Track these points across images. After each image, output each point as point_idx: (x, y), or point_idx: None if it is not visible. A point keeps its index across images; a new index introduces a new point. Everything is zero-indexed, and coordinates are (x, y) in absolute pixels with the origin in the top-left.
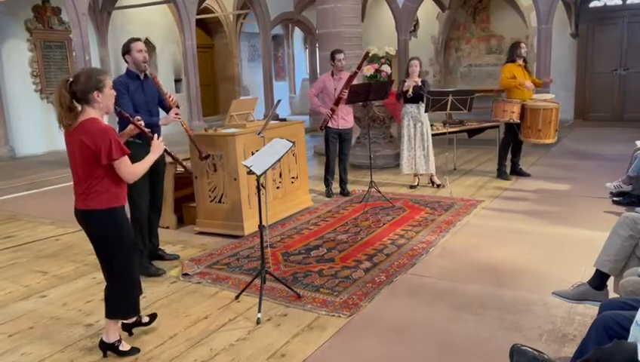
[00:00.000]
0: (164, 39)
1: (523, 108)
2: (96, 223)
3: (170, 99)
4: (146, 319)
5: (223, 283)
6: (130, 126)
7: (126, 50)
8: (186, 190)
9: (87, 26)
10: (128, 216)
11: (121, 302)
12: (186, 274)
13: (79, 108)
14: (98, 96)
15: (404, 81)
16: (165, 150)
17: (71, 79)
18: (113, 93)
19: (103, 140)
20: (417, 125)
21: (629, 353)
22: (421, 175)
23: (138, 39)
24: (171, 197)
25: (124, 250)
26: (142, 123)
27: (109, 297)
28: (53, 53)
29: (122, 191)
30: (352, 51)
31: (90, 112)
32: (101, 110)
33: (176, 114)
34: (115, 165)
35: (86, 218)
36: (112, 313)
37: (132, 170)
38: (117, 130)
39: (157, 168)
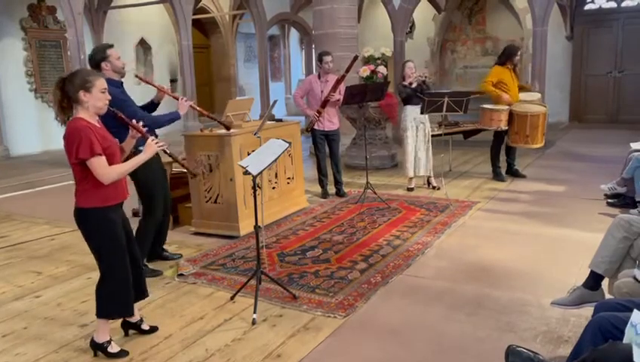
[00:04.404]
0: (160, 39)
1: (510, 114)
2: (84, 221)
3: (166, 88)
4: (146, 327)
5: (219, 283)
6: (131, 132)
7: (102, 58)
8: (181, 190)
9: (83, 26)
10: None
11: (109, 301)
12: (181, 275)
13: (74, 107)
14: (84, 95)
15: (403, 85)
16: (164, 151)
17: (65, 77)
18: (104, 95)
19: (73, 138)
20: (420, 127)
21: (625, 354)
22: (420, 176)
23: (111, 45)
24: None
25: (113, 250)
26: (140, 124)
27: (99, 295)
28: (48, 53)
29: (114, 190)
30: (348, 52)
31: (80, 112)
32: (89, 110)
33: (185, 100)
34: (88, 165)
35: (76, 215)
36: (100, 311)
37: (105, 171)
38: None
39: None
